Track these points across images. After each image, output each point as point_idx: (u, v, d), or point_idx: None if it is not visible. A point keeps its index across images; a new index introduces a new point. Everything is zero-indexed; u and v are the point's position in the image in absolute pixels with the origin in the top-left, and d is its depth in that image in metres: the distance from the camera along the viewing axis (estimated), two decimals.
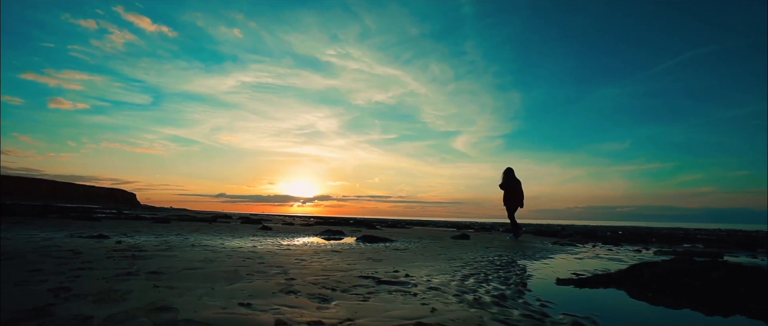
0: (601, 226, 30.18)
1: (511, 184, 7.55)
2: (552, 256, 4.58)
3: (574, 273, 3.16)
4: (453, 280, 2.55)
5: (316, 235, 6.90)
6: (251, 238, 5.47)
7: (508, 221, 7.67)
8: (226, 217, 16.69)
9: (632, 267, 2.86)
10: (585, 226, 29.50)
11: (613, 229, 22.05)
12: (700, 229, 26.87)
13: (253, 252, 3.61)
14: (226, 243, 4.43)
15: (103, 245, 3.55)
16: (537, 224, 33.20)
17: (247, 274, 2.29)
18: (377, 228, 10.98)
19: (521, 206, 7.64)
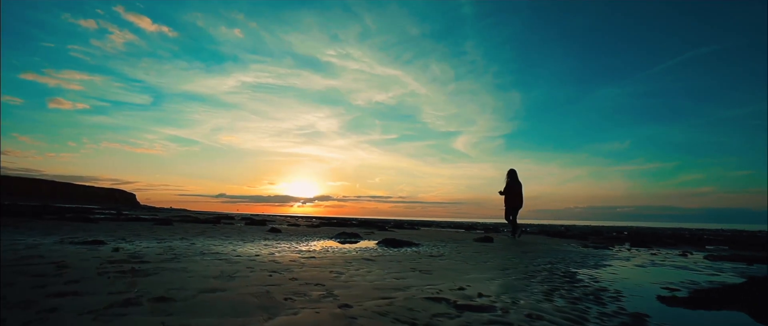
0: (605, 226, 29.75)
1: (514, 186, 7.47)
2: (606, 263, 4.02)
3: (665, 288, 2.60)
4: (541, 301, 1.98)
5: (330, 238, 6.31)
6: (264, 243, 4.87)
7: (506, 221, 7.73)
8: (228, 218, 16.05)
9: (748, 283, 2.30)
10: (587, 226, 29.08)
11: (619, 229, 21.57)
12: (702, 229, 26.47)
13: (275, 262, 3.02)
14: (239, 250, 3.84)
15: (96, 254, 2.95)
16: (538, 224, 32.80)
17: (285, 298, 1.70)
18: (388, 230, 10.40)
19: (520, 206, 7.61)
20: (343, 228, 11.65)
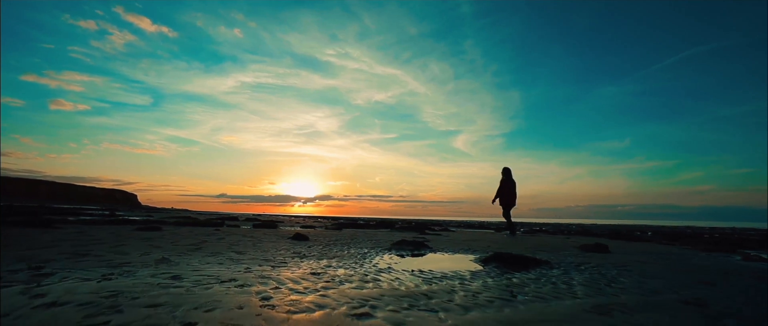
0: (622, 225, 27.92)
1: (508, 184, 7.29)
2: None
3: None
4: None
5: (388, 251, 4.11)
6: (308, 267, 2.66)
7: (503, 219, 7.52)
8: (233, 219, 13.72)
9: None
10: (605, 226, 27.27)
11: (641, 229, 19.61)
12: (713, 228, 24.63)
13: None
14: (278, 298, 1.63)
15: None
16: (542, 223, 31.02)
17: None
18: (423, 232, 8.20)
19: (514, 205, 7.37)
20: (359, 229, 9.45)
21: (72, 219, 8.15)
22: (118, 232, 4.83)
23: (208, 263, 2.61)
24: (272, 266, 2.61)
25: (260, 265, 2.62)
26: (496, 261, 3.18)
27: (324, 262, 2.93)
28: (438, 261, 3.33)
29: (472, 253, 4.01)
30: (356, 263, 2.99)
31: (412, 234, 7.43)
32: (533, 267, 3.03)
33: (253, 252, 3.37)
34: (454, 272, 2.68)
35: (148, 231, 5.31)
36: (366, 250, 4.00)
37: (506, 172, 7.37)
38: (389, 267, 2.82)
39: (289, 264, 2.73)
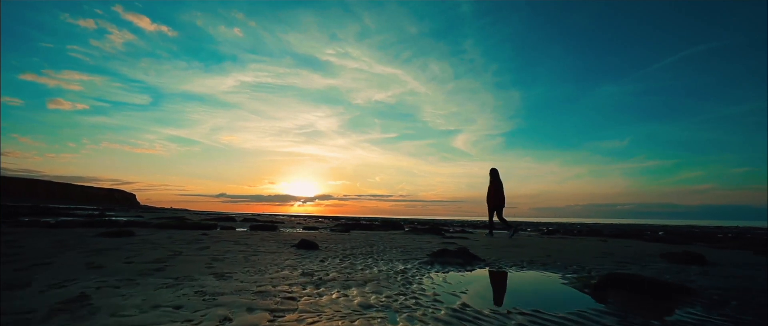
0: (629, 225, 26.95)
1: (495, 185, 7.25)
2: None
3: None
4: None
5: (431, 266, 2.96)
6: (334, 312, 1.49)
7: (497, 220, 7.42)
8: (229, 219, 12.49)
9: None
10: (617, 225, 26.30)
11: (652, 228, 18.63)
12: (719, 227, 23.73)
13: None
14: None
15: None
16: (545, 222, 30.12)
17: None
18: (445, 235, 7.05)
19: (503, 205, 7.30)
20: (368, 231, 8.33)
21: (48, 221, 6.91)
22: (66, 240, 3.62)
23: (154, 307, 1.43)
24: (272, 312, 1.44)
25: (250, 310, 1.45)
26: (620, 289, 2.02)
27: (355, 295, 1.76)
28: (522, 290, 2.17)
29: (542, 269, 2.86)
30: (404, 294, 1.83)
31: (435, 238, 6.28)
32: (679, 298, 1.89)
33: (243, 274, 2.19)
34: (582, 318, 1.52)
35: (114, 237, 4.11)
36: (401, 266, 2.83)
37: (493, 173, 7.36)
38: (464, 306, 1.67)
39: (299, 305, 1.56)
